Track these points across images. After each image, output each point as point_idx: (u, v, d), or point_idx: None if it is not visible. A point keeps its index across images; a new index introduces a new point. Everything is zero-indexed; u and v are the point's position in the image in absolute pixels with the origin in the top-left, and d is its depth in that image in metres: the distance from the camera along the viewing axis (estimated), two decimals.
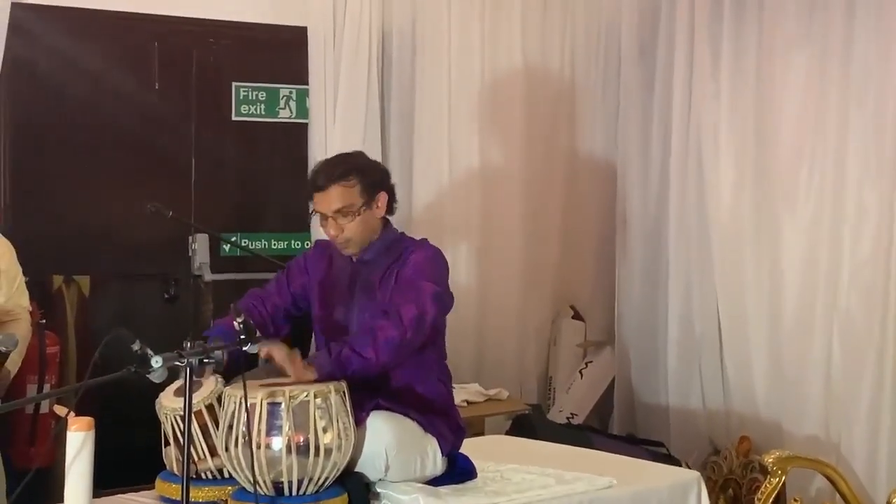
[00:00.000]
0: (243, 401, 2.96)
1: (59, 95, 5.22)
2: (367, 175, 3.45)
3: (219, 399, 3.17)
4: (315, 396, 3.02)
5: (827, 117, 4.93)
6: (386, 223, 3.51)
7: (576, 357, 6.09)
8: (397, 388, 3.35)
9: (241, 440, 3.01)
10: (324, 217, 3.42)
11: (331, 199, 3.39)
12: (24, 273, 3.99)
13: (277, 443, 3.00)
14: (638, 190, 5.79)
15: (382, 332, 3.17)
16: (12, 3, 4.71)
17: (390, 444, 3.20)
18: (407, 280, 3.34)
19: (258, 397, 3.00)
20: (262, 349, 3.07)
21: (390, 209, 3.51)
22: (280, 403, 3.01)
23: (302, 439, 3.01)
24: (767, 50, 5.13)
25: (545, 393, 6.10)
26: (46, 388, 4.61)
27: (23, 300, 3.95)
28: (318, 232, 5.31)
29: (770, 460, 4.20)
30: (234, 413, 3.04)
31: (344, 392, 3.12)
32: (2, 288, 3.85)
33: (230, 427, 3.04)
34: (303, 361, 3.15)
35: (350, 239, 3.41)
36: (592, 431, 5.43)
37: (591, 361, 6.02)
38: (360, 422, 3.20)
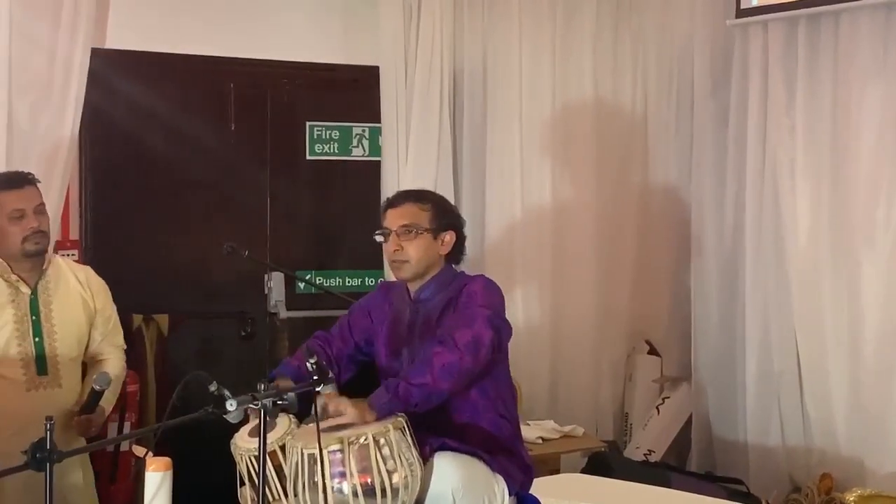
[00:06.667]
0: (304, 450, 2.98)
1: (137, 138, 5.31)
2: (441, 209, 3.49)
3: None
4: (374, 438, 3.01)
5: None
6: (447, 265, 3.52)
7: (652, 393, 6.02)
8: (461, 425, 3.32)
9: (307, 486, 3.01)
10: (388, 234, 3.44)
11: (401, 214, 3.43)
12: None
13: (345, 487, 2.98)
14: (713, 224, 5.71)
15: (438, 358, 3.12)
16: (92, 50, 4.83)
17: (457, 486, 3.15)
18: (461, 308, 3.31)
19: (317, 447, 3.00)
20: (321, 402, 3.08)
21: (455, 254, 3.52)
22: (339, 451, 3.00)
23: (369, 481, 2.99)
24: (843, 83, 5.06)
25: (621, 429, 6.05)
26: (127, 426, 4.67)
27: (117, 339, 3.99)
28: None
29: (852, 498, 4.14)
30: (297, 463, 3.05)
31: (404, 427, 3.10)
32: (98, 327, 3.90)
33: (296, 477, 3.06)
34: (362, 403, 3.11)
35: (407, 260, 3.41)
36: (670, 469, 5.35)
37: (667, 397, 5.95)
38: (424, 458, 3.17)
